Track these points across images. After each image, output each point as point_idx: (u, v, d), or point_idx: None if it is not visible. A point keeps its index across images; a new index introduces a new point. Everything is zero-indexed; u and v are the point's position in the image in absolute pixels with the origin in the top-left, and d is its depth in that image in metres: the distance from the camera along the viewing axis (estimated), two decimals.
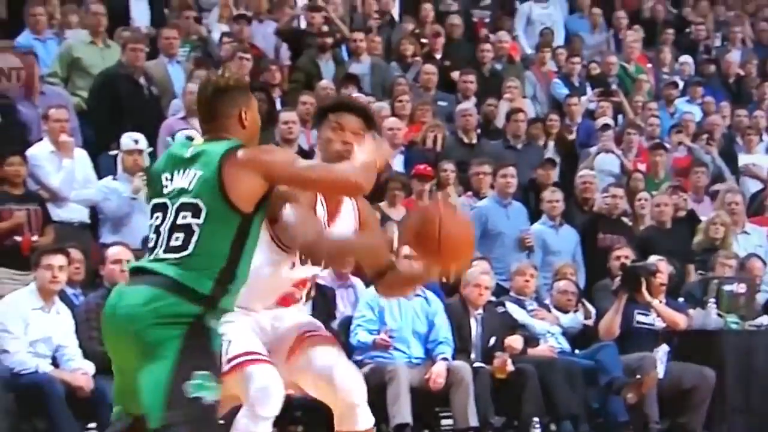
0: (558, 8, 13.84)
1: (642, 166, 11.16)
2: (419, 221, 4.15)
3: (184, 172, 3.89)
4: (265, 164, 3.86)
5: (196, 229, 3.82)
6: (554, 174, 10.48)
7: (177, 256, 3.81)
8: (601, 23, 13.81)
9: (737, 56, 13.77)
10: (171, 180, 3.91)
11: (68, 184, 8.66)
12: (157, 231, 3.89)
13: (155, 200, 3.95)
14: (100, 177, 8.98)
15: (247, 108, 3.99)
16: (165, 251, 3.83)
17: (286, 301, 4.40)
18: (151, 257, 3.88)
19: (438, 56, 12.03)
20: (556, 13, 13.72)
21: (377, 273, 4.41)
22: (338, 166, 4.00)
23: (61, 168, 8.65)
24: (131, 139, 8.87)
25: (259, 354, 4.21)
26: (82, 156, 8.88)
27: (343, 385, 4.28)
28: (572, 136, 11.40)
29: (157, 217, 3.90)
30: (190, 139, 4.01)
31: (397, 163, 10.18)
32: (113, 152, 9.10)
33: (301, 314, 4.53)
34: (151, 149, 9.13)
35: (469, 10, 13.41)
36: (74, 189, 8.72)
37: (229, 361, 4.13)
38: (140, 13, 11.28)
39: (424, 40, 12.24)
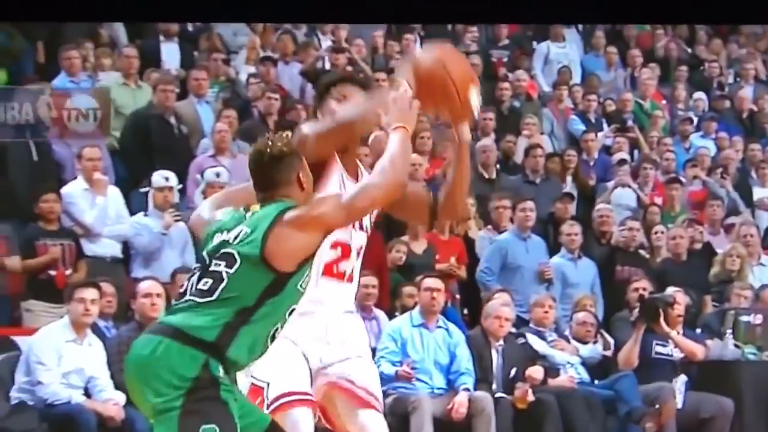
0: (574, 47, 13.84)
1: (658, 200, 11.11)
2: (428, 78, 4.10)
3: (233, 229, 3.87)
4: (315, 219, 3.82)
5: (225, 277, 3.78)
6: (572, 208, 10.43)
7: (200, 300, 3.78)
8: (616, 62, 13.79)
9: (750, 92, 13.73)
10: (222, 236, 3.89)
11: (101, 221, 8.68)
12: (190, 279, 3.88)
13: (202, 254, 3.92)
14: (131, 213, 9.00)
15: (302, 169, 3.96)
16: (191, 294, 3.81)
17: (331, 271, 4.24)
18: (178, 301, 3.86)
19: None
20: (573, 52, 13.72)
21: (432, 214, 4.34)
22: (376, 176, 3.91)
23: (95, 205, 8.68)
24: (162, 177, 8.89)
25: (299, 394, 4.12)
26: (114, 193, 8.91)
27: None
28: (592, 182, 11.29)
29: (196, 268, 3.89)
30: (246, 210, 3.95)
31: None
32: (144, 189, 9.13)
33: (355, 338, 4.35)
34: (180, 186, 9.16)
35: (487, 50, 13.42)
36: (107, 225, 8.74)
37: (270, 404, 4.06)
38: (170, 56, 11.34)
39: None
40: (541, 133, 11.94)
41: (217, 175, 9.05)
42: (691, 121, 12.88)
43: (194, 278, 3.84)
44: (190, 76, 10.66)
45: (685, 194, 11.38)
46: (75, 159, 8.94)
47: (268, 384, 4.08)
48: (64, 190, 8.68)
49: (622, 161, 11.35)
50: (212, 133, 9.81)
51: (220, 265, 3.80)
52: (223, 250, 3.82)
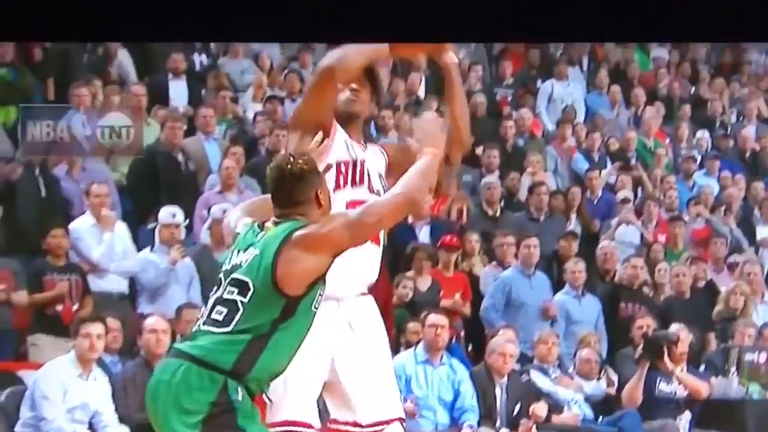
0: (578, 86, 13.86)
1: (662, 238, 11.08)
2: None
3: (246, 251, 3.87)
4: (323, 238, 3.81)
5: (240, 307, 3.78)
6: (576, 246, 10.40)
7: (215, 330, 3.77)
8: (620, 100, 13.81)
9: (752, 131, 13.73)
10: (232, 258, 3.90)
11: (108, 257, 8.67)
12: (207, 303, 3.89)
13: (219, 275, 3.93)
14: (138, 248, 8.99)
15: (320, 187, 3.97)
16: (205, 323, 3.81)
17: None
18: (195, 328, 3.86)
19: None
20: (577, 91, 13.74)
21: (444, 155, 4.43)
22: (388, 195, 3.96)
23: (102, 241, 8.67)
24: (169, 213, 8.89)
25: (299, 425, 4.09)
26: (121, 229, 8.90)
27: None
28: (596, 228, 11.21)
29: (213, 291, 3.90)
30: (260, 227, 3.95)
31: (424, 235, 10.14)
32: (151, 225, 9.12)
33: (370, 342, 4.33)
34: (187, 222, 9.15)
35: (492, 89, 13.44)
36: (114, 261, 8.73)
37: (270, 426, 4.03)
38: (178, 93, 11.36)
39: None
40: (545, 171, 11.93)
41: (224, 211, 9.02)
42: (695, 159, 12.88)
43: (210, 303, 3.83)
44: (197, 113, 10.69)
45: (688, 232, 11.35)
46: (83, 195, 8.94)
47: (271, 402, 4.05)
48: (71, 225, 8.67)
49: (626, 199, 11.34)
50: (219, 170, 9.81)
51: (233, 292, 3.80)
52: (235, 276, 3.83)
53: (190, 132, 10.47)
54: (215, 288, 3.88)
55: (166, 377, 3.73)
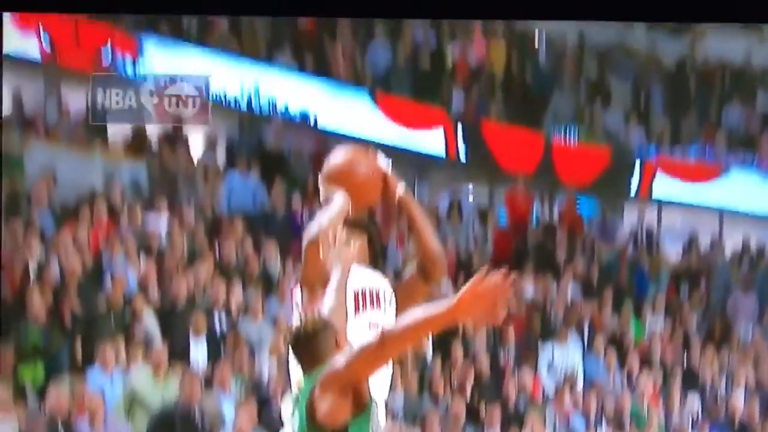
0: (577, 350, 14.18)
1: None
2: (358, 192, 4.48)
3: (292, 416, 4.16)
4: (341, 376, 3.96)
5: None
6: None
7: None
8: (615, 365, 14.07)
9: (741, 398, 13.93)
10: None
11: None
12: None
13: None
14: None
15: (336, 334, 4.12)
16: None
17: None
18: None
19: (467, 391, 12.29)
20: (576, 354, 14.04)
21: (426, 279, 4.56)
22: (397, 325, 3.99)
23: None
24: None
25: None
26: None
27: None
28: None
29: None
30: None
31: None
32: None
33: None
34: None
35: (495, 351, 13.75)
36: None
37: None
38: (198, 352, 11.65)
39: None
40: (544, 431, 12.08)
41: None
42: (686, 423, 13.01)
43: None
44: (215, 371, 10.97)
45: None
46: None
47: None
48: None
49: None
50: (234, 426, 10.02)
51: None
52: None
53: (208, 387, 10.72)
54: None
55: None
